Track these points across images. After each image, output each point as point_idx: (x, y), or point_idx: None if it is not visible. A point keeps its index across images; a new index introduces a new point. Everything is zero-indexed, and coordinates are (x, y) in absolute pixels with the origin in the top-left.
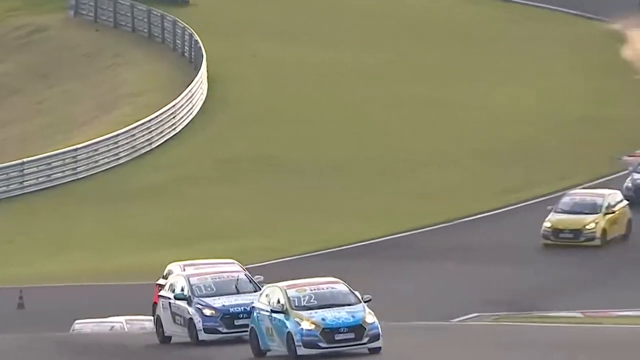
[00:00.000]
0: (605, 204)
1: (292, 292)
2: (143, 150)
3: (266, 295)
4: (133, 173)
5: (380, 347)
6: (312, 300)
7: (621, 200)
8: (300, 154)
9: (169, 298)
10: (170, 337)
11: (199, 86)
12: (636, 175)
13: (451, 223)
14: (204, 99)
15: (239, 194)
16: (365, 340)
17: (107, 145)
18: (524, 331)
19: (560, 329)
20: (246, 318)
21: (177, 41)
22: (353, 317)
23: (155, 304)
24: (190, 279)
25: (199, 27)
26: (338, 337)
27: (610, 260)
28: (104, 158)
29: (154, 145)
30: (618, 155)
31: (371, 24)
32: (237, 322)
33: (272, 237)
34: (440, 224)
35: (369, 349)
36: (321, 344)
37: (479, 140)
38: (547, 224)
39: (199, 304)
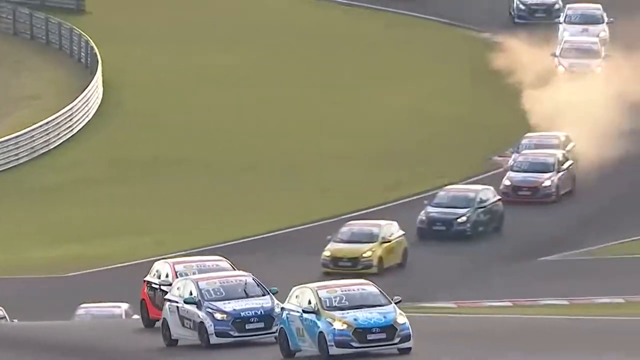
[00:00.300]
0: (382, 234)
1: (323, 293)
2: (42, 151)
3: (296, 297)
4: (32, 173)
5: (410, 348)
6: (343, 301)
7: (398, 231)
8: (192, 154)
9: (177, 302)
10: (177, 340)
11: (95, 90)
12: (430, 209)
13: (341, 217)
14: (99, 102)
15: (131, 193)
16: (397, 340)
17: (7, 147)
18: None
19: (435, 319)
20: (257, 322)
21: (74, 48)
22: (385, 317)
23: (143, 300)
24: (199, 283)
25: (95, 34)
26: (370, 337)
27: (481, 254)
28: (4, 158)
29: (52, 147)
30: (489, 155)
31: (259, 30)
32: (248, 326)
33: (163, 233)
34: (332, 218)
35: (399, 349)
36: (353, 344)
37: (369, 140)
38: (326, 253)
39: (210, 308)
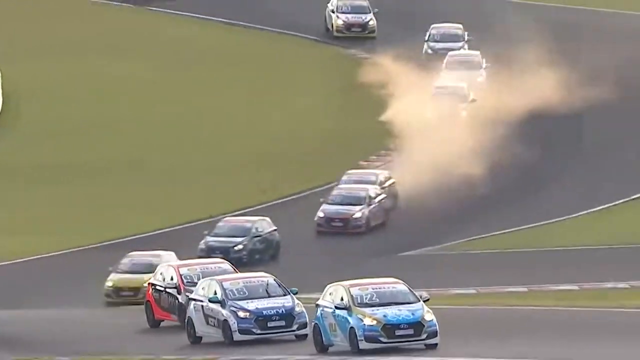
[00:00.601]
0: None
1: (355, 290)
2: None
3: (330, 294)
4: None
5: (437, 344)
6: (374, 298)
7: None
8: (89, 159)
9: (202, 301)
10: (201, 338)
11: None
12: (209, 239)
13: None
14: None
15: (32, 196)
16: (424, 336)
17: None
18: None
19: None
20: (278, 320)
21: None
22: (413, 314)
23: (148, 301)
24: (224, 283)
25: None
26: (398, 332)
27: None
28: None
29: None
30: (361, 159)
31: (151, 44)
32: (269, 324)
33: (61, 232)
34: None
35: (426, 345)
36: (382, 339)
37: (240, 149)
38: (108, 283)
39: (233, 306)
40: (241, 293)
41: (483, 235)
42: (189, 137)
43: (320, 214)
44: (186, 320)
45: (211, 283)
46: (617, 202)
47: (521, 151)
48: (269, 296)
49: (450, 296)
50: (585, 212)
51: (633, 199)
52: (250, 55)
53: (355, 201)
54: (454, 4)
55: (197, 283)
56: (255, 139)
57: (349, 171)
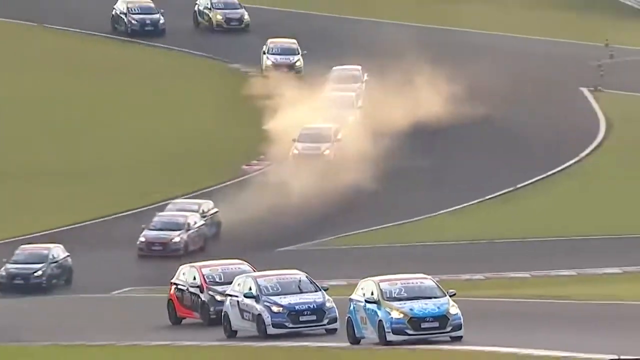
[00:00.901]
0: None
1: (384, 285)
2: None
3: (361, 289)
4: None
5: (462, 336)
6: (402, 293)
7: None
8: None
9: (237, 296)
10: (236, 331)
11: None
12: (9, 266)
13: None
14: None
15: None
16: (449, 329)
17: None
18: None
19: None
20: (310, 315)
21: None
22: (438, 308)
23: (170, 300)
24: (258, 279)
25: None
26: (424, 325)
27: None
28: None
29: None
30: (241, 165)
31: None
32: (301, 318)
33: None
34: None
35: (451, 337)
36: (408, 331)
37: (131, 154)
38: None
39: (267, 301)
40: (275, 289)
41: (351, 233)
42: (78, 143)
43: (142, 238)
44: (222, 315)
45: (246, 280)
46: (471, 203)
47: (399, 157)
48: (301, 292)
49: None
50: (443, 211)
51: (484, 199)
52: (144, 69)
53: (175, 227)
54: (337, 24)
55: (218, 282)
56: (142, 145)
57: (174, 200)
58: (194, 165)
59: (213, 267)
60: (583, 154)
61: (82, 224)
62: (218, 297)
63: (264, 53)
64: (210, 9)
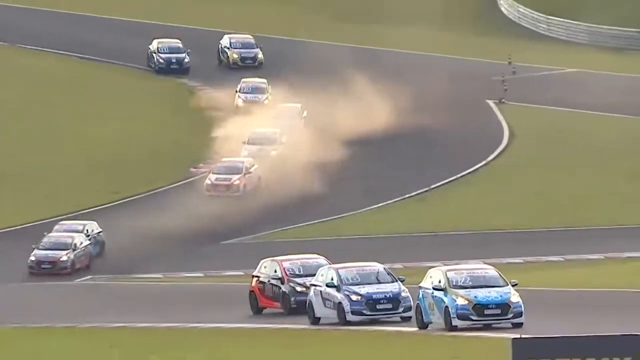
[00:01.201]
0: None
1: (451, 274)
2: None
3: (430, 277)
4: None
5: (522, 323)
6: (467, 281)
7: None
8: None
9: (320, 286)
10: (319, 319)
11: None
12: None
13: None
14: None
15: None
16: (510, 316)
17: None
18: (130, 287)
19: (148, 286)
20: (386, 303)
21: None
22: (501, 296)
23: (252, 291)
24: (340, 271)
25: None
26: (487, 312)
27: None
28: None
29: None
30: (190, 166)
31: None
32: (378, 306)
33: None
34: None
35: (512, 324)
36: (472, 317)
37: (88, 159)
38: (32, 258)
39: (347, 291)
40: (354, 279)
41: (288, 227)
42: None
43: (32, 257)
44: (307, 304)
45: (329, 271)
46: (395, 200)
47: (336, 163)
48: (379, 282)
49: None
50: (371, 207)
51: (404, 198)
52: (100, 83)
53: (63, 247)
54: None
55: (298, 275)
56: (93, 151)
57: (61, 222)
58: (131, 169)
59: (293, 261)
60: (489, 158)
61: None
62: (298, 288)
63: (237, 92)
64: (229, 48)
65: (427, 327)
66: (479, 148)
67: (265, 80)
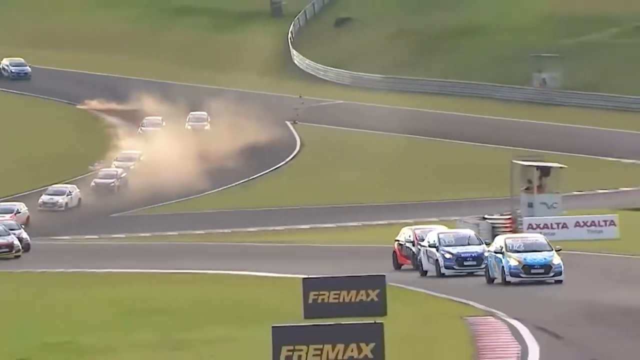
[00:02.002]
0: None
1: (509, 241)
2: None
3: (495, 243)
4: None
5: (562, 280)
6: (520, 246)
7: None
8: None
9: (427, 246)
10: (426, 272)
11: None
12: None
13: None
14: None
15: None
16: (552, 274)
17: None
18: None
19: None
20: (472, 261)
21: None
22: (545, 259)
23: (394, 252)
24: (440, 234)
25: None
26: (533, 271)
27: None
28: None
29: None
30: (90, 164)
31: None
32: (465, 263)
33: None
34: None
35: (555, 281)
36: (521, 275)
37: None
38: None
39: (443, 250)
40: (450, 241)
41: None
42: None
43: None
44: (418, 260)
45: (433, 234)
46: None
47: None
48: (469, 244)
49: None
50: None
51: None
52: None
53: None
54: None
55: (424, 239)
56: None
57: None
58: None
59: (422, 229)
60: (288, 159)
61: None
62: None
63: (187, 121)
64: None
65: (492, 281)
66: (281, 152)
67: (205, 113)
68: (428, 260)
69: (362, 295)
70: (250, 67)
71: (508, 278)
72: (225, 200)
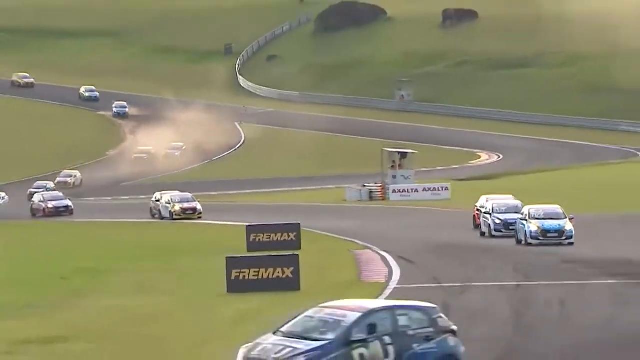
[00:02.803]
0: None
1: (532, 210)
2: None
3: (523, 211)
4: None
5: (573, 243)
6: (541, 215)
7: None
8: None
9: (485, 213)
10: (484, 233)
11: None
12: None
13: None
14: None
15: None
16: (564, 238)
17: None
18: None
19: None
20: (512, 224)
21: None
22: (559, 225)
23: (474, 215)
24: (494, 204)
25: None
26: (549, 235)
27: None
28: None
29: None
30: (106, 152)
31: None
32: (510, 227)
33: None
34: None
35: (568, 243)
36: (540, 238)
37: None
38: None
39: (494, 216)
40: (501, 209)
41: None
42: None
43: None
44: (481, 222)
45: (489, 203)
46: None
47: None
48: (516, 212)
49: None
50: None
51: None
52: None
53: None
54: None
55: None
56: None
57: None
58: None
59: (495, 199)
60: (237, 147)
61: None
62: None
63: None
64: None
65: (521, 243)
66: (232, 143)
67: (182, 144)
68: (484, 223)
69: (285, 236)
70: (211, 87)
71: (529, 240)
72: (195, 174)
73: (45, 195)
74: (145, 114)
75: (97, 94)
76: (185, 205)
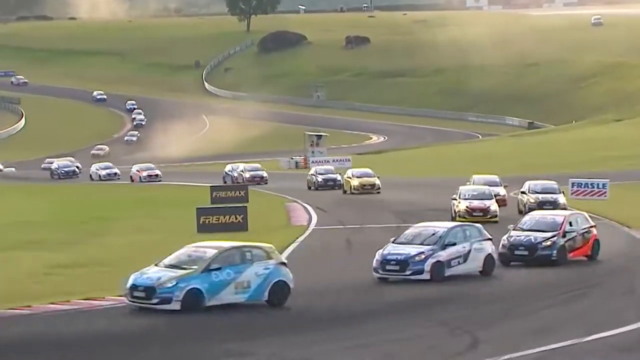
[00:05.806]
0: None
1: (532, 185)
2: None
3: (522, 186)
4: None
5: (566, 207)
6: (539, 189)
7: None
8: None
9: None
10: (522, 211)
11: None
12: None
13: None
14: None
15: None
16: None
17: None
18: None
19: None
20: (549, 205)
21: None
22: (553, 197)
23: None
24: (530, 184)
25: None
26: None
27: None
28: None
29: None
30: (113, 134)
31: None
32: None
33: None
34: None
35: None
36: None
37: None
38: None
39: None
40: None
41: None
42: None
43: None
44: (519, 201)
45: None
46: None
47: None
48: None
49: None
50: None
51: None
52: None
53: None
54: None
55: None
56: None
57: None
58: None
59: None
60: (202, 131)
61: None
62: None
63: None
64: None
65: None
66: (198, 129)
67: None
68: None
69: (237, 193)
70: (185, 92)
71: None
72: (169, 152)
73: (141, 166)
74: (139, 110)
75: (105, 96)
76: None
